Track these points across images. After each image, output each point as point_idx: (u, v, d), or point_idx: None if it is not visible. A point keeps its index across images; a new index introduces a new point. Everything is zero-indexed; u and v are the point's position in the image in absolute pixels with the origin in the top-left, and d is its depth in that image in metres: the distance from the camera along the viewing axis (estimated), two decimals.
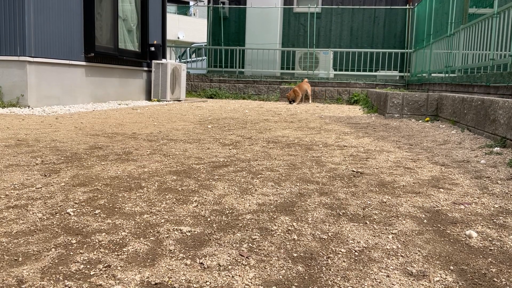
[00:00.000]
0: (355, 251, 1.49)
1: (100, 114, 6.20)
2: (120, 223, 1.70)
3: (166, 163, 2.82)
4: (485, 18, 5.78)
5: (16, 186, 2.18)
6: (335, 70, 12.84)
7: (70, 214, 1.78)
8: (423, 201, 2.09)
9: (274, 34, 13.09)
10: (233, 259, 1.40)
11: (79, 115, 5.97)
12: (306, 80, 11.17)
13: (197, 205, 1.95)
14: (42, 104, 6.85)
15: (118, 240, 1.53)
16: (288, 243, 1.55)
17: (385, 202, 2.06)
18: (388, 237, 1.62)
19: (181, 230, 1.63)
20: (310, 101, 11.13)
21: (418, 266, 1.39)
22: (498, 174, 2.66)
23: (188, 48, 19.53)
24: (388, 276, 1.31)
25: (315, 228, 1.69)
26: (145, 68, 9.96)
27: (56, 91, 7.18)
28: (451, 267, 1.39)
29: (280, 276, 1.30)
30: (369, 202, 2.06)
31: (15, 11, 6.38)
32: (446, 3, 8.16)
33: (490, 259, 1.45)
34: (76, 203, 1.93)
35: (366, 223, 1.77)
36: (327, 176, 2.57)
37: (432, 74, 8.98)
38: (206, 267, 1.34)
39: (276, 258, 1.42)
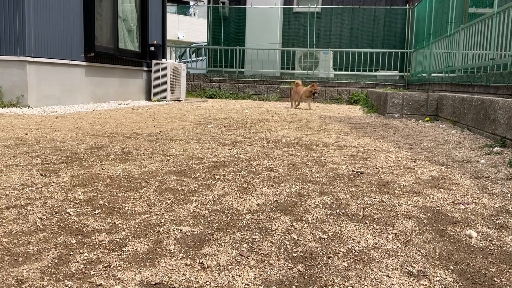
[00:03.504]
0: (355, 251, 1.49)
1: (100, 114, 6.20)
2: (120, 223, 1.70)
3: (166, 163, 2.82)
4: (485, 18, 5.78)
5: (16, 186, 2.18)
6: (335, 70, 12.84)
7: (70, 214, 1.78)
8: (423, 201, 2.09)
9: (274, 34, 13.09)
10: (233, 259, 1.40)
11: (79, 115, 5.97)
12: (297, 81, 9.25)
13: (197, 205, 1.95)
14: (42, 104, 6.85)
15: (118, 240, 1.53)
16: (288, 243, 1.55)
17: (385, 202, 2.06)
18: (388, 237, 1.62)
19: (181, 230, 1.63)
20: (308, 106, 9.08)
21: (418, 266, 1.39)
22: (498, 174, 2.66)
23: (188, 48, 19.53)
24: (388, 276, 1.31)
25: (315, 228, 1.69)
26: (145, 68, 9.96)
27: (56, 91, 7.17)
28: (451, 267, 1.39)
29: (280, 276, 1.30)
30: (369, 202, 2.06)
31: (15, 11, 6.38)
32: (446, 3, 8.15)
33: (490, 259, 1.45)
34: (76, 203, 1.93)
35: (366, 223, 1.77)
36: (327, 176, 2.57)
37: (432, 74, 8.98)
38: (206, 267, 1.34)
39: (276, 258, 1.42)
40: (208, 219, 1.77)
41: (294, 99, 9.11)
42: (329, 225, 1.73)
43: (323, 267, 1.36)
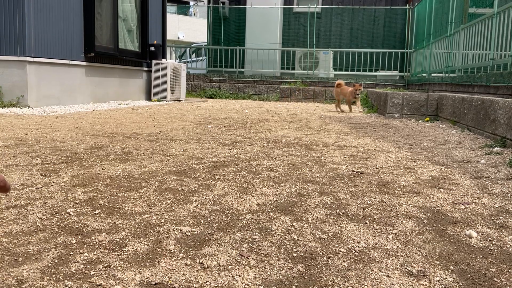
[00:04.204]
0: (355, 251, 1.49)
1: (100, 114, 6.20)
2: (120, 223, 1.70)
3: (166, 163, 2.82)
4: (485, 18, 5.78)
5: (16, 186, 2.18)
6: (335, 70, 12.84)
7: (70, 214, 1.78)
8: (423, 201, 2.09)
9: (274, 34, 13.09)
10: (233, 259, 1.40)
11: (79, 115, 5.97)
12: (339, 81, 8.35)
13: (197, 205, 1.95)
14: (42, 104, 6.85)
15: (118, 240, 1.53)
16: (288, 243, 1.54)
17: (385, 202, 2.06)
18: (388, 237, 1.62)
19: (181, 230, 1.63)
20: (352, 110, 8.20)
21: (418, 266, 1.39)
22: (498, 174, 2.66)
23: (188, 48, 19.53)
24: (388, 276, 1.31)
25: (315, 228, 1.69)
26: (145, 68, 9.96)
27: (56, 91, 7.18)
28: (451, 267, 1.39)
29: (280, 276, 1.30)
30: (369, 202, 2.06)
31: (15, 11, 6.38)
32: (446, 3, 8.16)
33: (490, 259, 1.45)
34: (76, 203, 1.93)
35: (366, 223, 1.77)
36: (327, 176, 2.57)
37: (432, 74, 8.98)
38: (206, 267, 1.34)
39: (276, 258, 1.42)
40: (208, 219, 1.77)
41: (339, 101, 8.35)
42: (329, 225, 1.73)
43: (323, 267, 1.36)
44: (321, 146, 3.71)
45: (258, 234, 1.62)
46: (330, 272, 1.33)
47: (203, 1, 31.56)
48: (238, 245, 1.51)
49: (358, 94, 7.93)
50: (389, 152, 3.49)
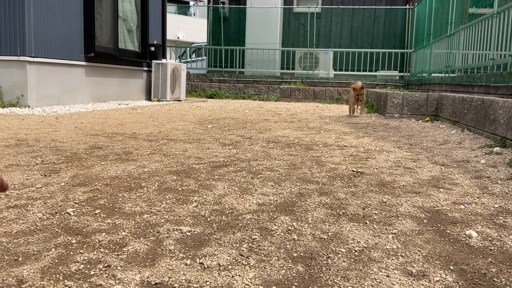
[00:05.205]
0: (355, 251, 1.49)
1: (100, 114, 6.20)
2: (120, 223, 1.70)
3: (166, 163, 2.82)
4: (485, 18, 5.78)
5: (16, 186, 2.18)
6: (335, 70, 12.84)
7: (70, 214, 1.78)
8: (423, 201, 2.09)
9: (274, 34, 13.09)
10: (233, 259, 1.40)
11: (79, 115, 5.97)
12: (357, 83, 7.02)
13: (197, 205, 1.95)
14: (42, 104, 6.85)
15: (118, 240, 1.53)
16: (288, 243, 1.54)
17: (385, 202, 2.06)
18: (388, 237, 1.62)
19: (181, 230, 1.63)
20: (357, 112, 7.35)
21: (418, 266, 1.39)
22: (498, 174, 2.66)
23: (188, 48, 19.53)
24: (388, 276, 1.31)
25: (315, 228, 1.69)
26: (145, 68, 9.96)
27: (56, 91, 7.17)
28: (451, 267, 1.39)
29: (280, 276, 1.30)
30: (369, 202, 2.06)
31: (15, 11, 6.38)
32: (446, 3, 8.16)
33: (490, 259, 1.45)
34: (76, 203, 1.93)
35: (366, 223, 1.77)
36: (327, 176, 2.57)
37: (432, 74, 8.98)
38: (206, 267, 1.34)
39: (276, 258, 1.42)
40: (208, 219, 1.77)
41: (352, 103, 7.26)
42: (329, 225, 1.73)
43: (323, 267, 1.36)
44: (321, 146, 3.71)
45: (258, 234, 1.62)
46: (330, 272, 1.33)
47: (203, 1, 31.54)
48: (238, 245, 1.51)
49: (359, 100, 6.90)
50: (389, 152, 3.49)
